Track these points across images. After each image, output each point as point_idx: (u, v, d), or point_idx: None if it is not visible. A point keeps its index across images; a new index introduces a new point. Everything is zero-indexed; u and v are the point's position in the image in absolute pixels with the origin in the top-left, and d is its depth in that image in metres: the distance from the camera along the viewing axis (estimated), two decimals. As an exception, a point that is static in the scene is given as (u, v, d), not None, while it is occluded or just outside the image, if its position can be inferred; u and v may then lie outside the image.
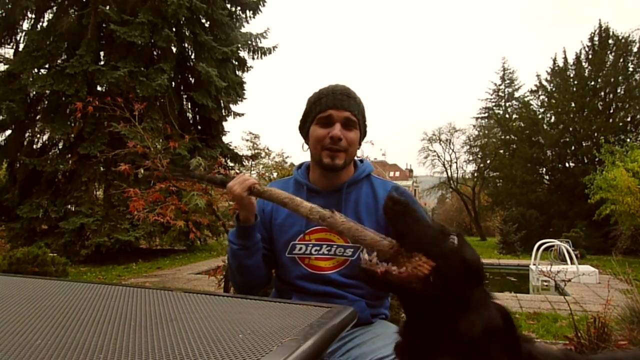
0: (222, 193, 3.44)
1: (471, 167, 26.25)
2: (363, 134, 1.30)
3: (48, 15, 10.12)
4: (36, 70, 9.40)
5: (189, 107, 11.75)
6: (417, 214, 0.70)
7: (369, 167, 1.32)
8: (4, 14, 9.77)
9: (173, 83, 10.83)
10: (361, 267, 0.68)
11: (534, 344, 0.72)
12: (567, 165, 17.54)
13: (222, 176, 1.32)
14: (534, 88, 18.76)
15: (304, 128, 1.29)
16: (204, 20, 10.98)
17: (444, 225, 0.72)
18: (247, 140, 15.26)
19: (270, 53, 12.01)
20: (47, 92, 9.11)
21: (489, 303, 0.67)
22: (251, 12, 12.12)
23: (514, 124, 19.73)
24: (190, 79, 11.32)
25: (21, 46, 9.99)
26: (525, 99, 20.24)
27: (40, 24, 10.07)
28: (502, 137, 21.00)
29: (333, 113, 1.20)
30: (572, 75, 16.90)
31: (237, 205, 1.19)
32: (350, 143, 1.22)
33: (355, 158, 1.34)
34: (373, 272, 0.66)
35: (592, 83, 16.16)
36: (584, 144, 16.32)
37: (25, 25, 10.21)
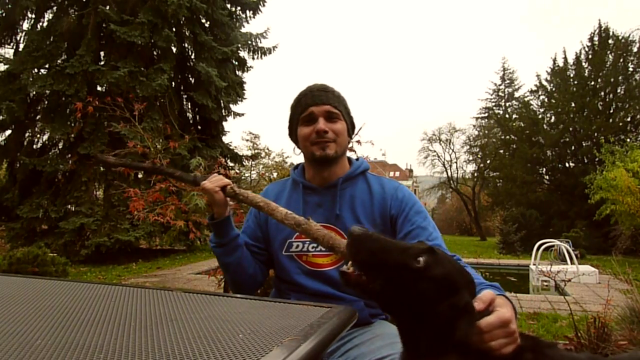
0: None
1: (471, 167, 26.34)
2: (350, 125, 1.31)
3: (48, 15, 10.12)
4: (36, 70, 9.39)
5: (189, 107, 11.75)
6: (378, 241, 0.73)
7: (365, 164, 1.32)
8: (4, 14, 9.77)
9: (173, 83, 10.83)
10: (340, 270, 0.76)
11: (557, 348, 0.72)
12: (567, 165, 17.55)
13: (194, 174, 1.34)
14: (534, 88, 18.80)
15: (293, 132, 1.31)
16: (204, 20, 10.98)
17: (411, 245, 0.74)
18: (247, 140, 15.28)
19: (270, 53, 12.02)
20: (47, 92, 9.11)
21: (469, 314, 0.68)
22: (251, 12, 12.13)
23: (514, 124, 19.74)
24: (190, 79, 11.32)
25: (21, 46, 9.99)
26: (525, 99, 20.25)
27: (40, 24, 10.07)
28: (502, 137, 21.02)
29: (314, 110, 1.22)
30: (572, 75, 16.91)
31: (209, 202, 1.23)
32: (338, 133, 1.23)
33: (352, 157, 1.35)
34: (346, 274, 0.74)
35: (592, 83, 16.16)
36: (584, 144, 16.32)
37: (25, 25, 10.22)
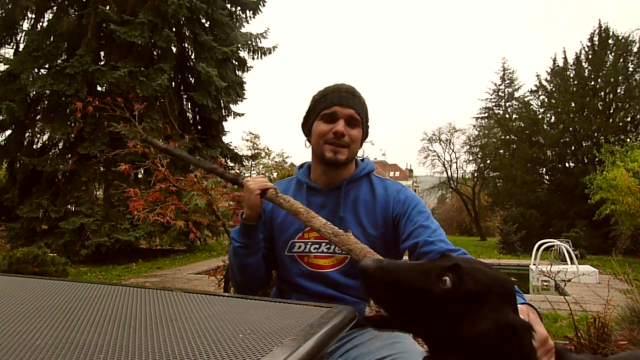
0: (222, 193, 3.44)
1: (471, 167, 26.33)
2: (365, 134, 1.30)
3: (48, 15, 10.13)
4: (36, 70, 9.40)
5: (189, 107, 11.75)
6: (394, 273, 0.67)
7: (370, 166, 1.31)
8: (4, 14, 9.78)
9: (173, 83, 10.83)
10: (364, 317, 0.74)
11: (570, 353, 0.70)
12: (567, 165, 17.56)
13: (234, 172, 1.34)
14: (534, 88, 18.82)
15: (307, 124, 1.29)
16: (204, 20, 10.99)
17: (432, 266, 0.67)
18: (247, 140, 15.31)
19: (270, 53, 12.03)
20: (47, 92, 9.10)
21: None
22: (251, 12, 12.13)
23: (514, 124, 19.76)
24: (190, 79, 11.33)
25: (21, 46, 10.00)
26: (525, 99, 20.27)
27: (40, 24, 10.08)
28: (502, 137, 21.04)
29: (337, 110, 1.21)
30: (572, 75, 16.92)
31: (244, 201, 1.22)
32: (353, 140, 1.22)
33: (357, 157, 1.34)
34: (369, 319, 0.71)
35: (592, 83, 16.17)
36: (584, 144, 16.33)
37: (25, 25, 10.23)
